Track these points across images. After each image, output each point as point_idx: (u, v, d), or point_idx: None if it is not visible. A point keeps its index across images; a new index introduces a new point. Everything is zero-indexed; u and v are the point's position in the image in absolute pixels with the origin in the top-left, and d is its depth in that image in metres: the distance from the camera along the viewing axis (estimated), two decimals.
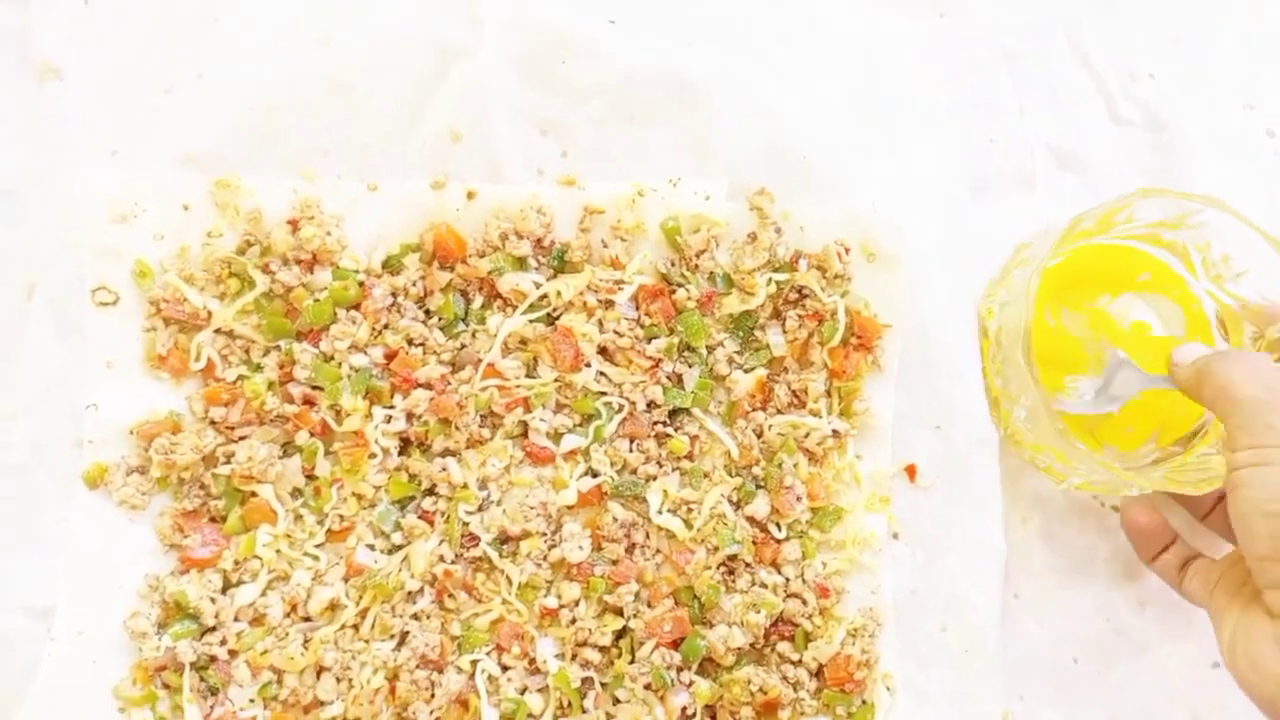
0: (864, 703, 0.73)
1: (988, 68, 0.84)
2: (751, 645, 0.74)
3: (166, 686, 0.72)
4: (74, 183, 0.72)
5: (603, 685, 0.74)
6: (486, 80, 0.76)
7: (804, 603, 0.74)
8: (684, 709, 0.73)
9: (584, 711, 0.73)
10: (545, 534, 0.75)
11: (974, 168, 0.82)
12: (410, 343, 0.76)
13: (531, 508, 0.75)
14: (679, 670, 0.74)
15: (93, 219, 0.72)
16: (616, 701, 0.74)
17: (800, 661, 0.74)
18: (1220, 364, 0.67)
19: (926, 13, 0.82)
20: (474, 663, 0.74)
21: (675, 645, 0.74)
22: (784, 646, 0.74)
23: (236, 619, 0.73)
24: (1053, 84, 0.84)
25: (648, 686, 0.73)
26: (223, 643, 0.72)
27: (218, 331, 0.75)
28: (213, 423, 0.74)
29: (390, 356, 0.75)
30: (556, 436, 0.76)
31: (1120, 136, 0.83)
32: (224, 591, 0.73)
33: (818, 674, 0.74)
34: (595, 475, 0.76)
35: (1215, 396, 0.66)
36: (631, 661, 0.74)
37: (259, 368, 0.75)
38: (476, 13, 0.75)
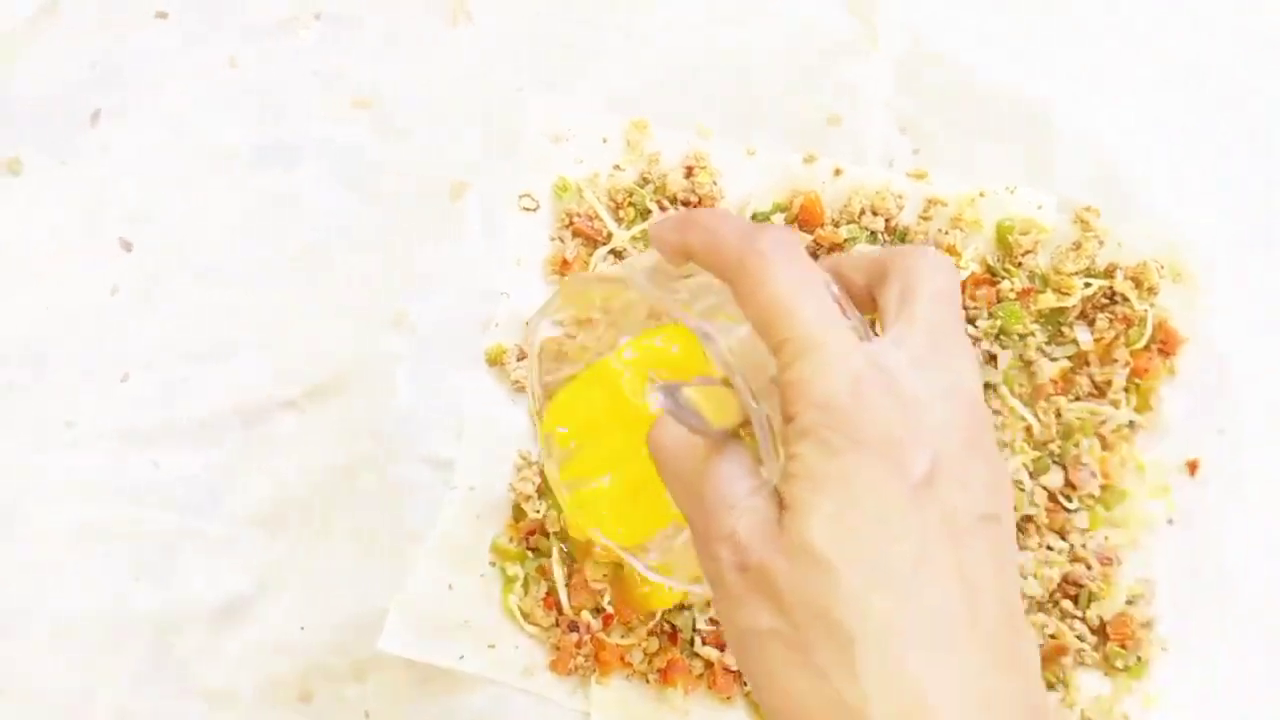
0: (1139, 659, 0.82)
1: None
2: (1039, 600, 0.83)
3: (534, 549, 0.81)
4: (530, 103, 0.85)
5: None
6: (869, 79, 0.88)
7: (1088, 567, 0.84)
8: None
9: None
10: None
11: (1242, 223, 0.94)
12: None
13: None
14: None
15: (535, 135, 0.84)
16: None
17: (1083, 618, 0.83)
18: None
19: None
20: None
21: None
22: (1066, 604, 0.84)
23: None
24: None
25: None
26: None
27: (610, 251, 0.86)
28: None
29: None
30: None
31: None
32: None
33: (1098, 630, 0.83)
34: None
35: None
36: None
37: None
38: (873, 21, 0.89)
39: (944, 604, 0.44)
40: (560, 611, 0.80)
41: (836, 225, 0.88)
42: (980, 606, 0.45)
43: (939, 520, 0.45)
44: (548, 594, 0.80)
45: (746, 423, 0.50)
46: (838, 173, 0.88)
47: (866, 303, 0.55)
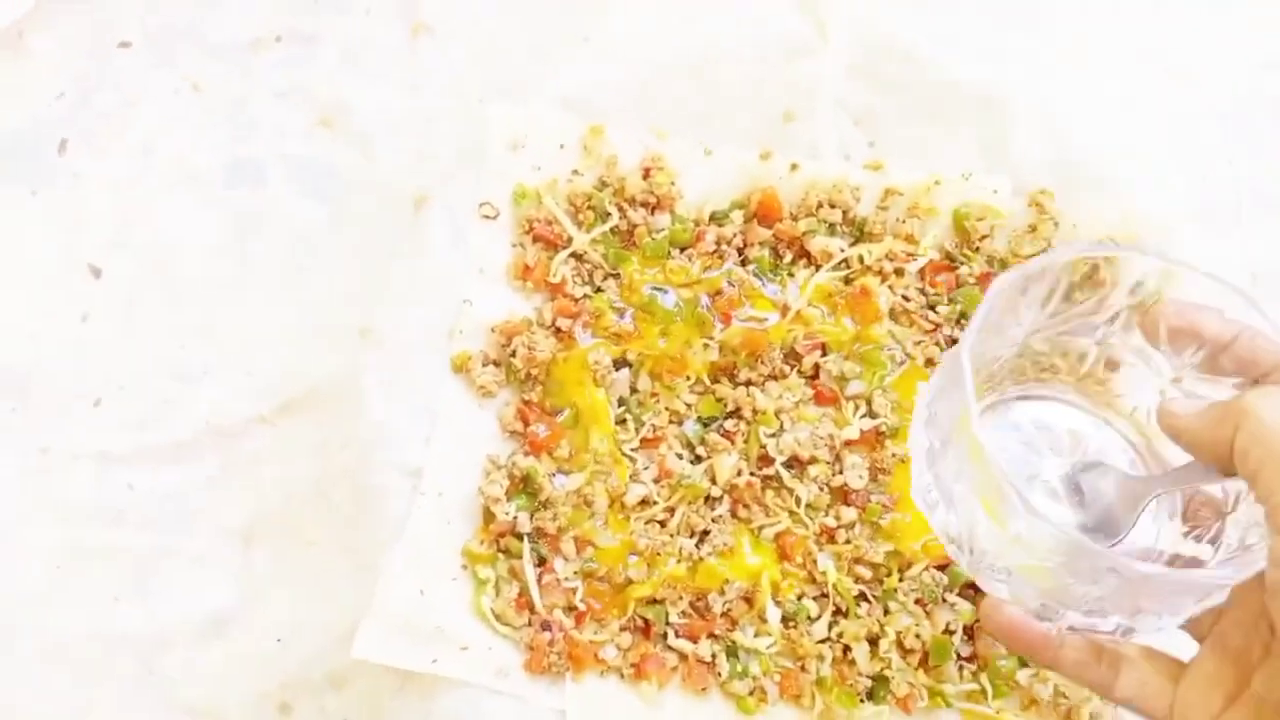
0: None
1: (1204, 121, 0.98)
2: None
3: (504, 551, 0.82)
4: (490, 112, 0.86)
5: (874, 597, 0.84)
6: (821, 75, 0.90)
7: None
8: (947, 624, 0.83)
9: (858, 617, 0.83)
10: (829, 462, 0.86)
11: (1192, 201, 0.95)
12: (730, 284, 0.88)
13: (821, 438, 0.86)
14: (944, 590, 0.84)
15: (494, 144, 0.85)
16: (886, 612, 0.83)
17: None
18: (1261, 403, 0.51)
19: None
20: (761, 566, 0.84)
21: (942, 569, 0.84)
22: None
23: (564, 503, 0.83)
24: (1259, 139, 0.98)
25: (918, 601, 0.83)
26: (554, 519, 0.82)
27: (571, 255, 0.87)
28: (558, 331, 0.86)
29: (714, 295, 0.88)
30: (843, 380, 0.88)
31: None
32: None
33: None
34: (875, 418, 0.87)
35: (1251, 446, 0.49)
36: (901, 580, 0.84)
37: (600, 290, 0.87)
38: (822, 19, 0.90)
39: None
40: (533, 611, 0.80)
41: (795, 219, 0.89)
42: None
43: None
44: (519, 595, 0.81)
45: None
46: (794, 168, 0.89)
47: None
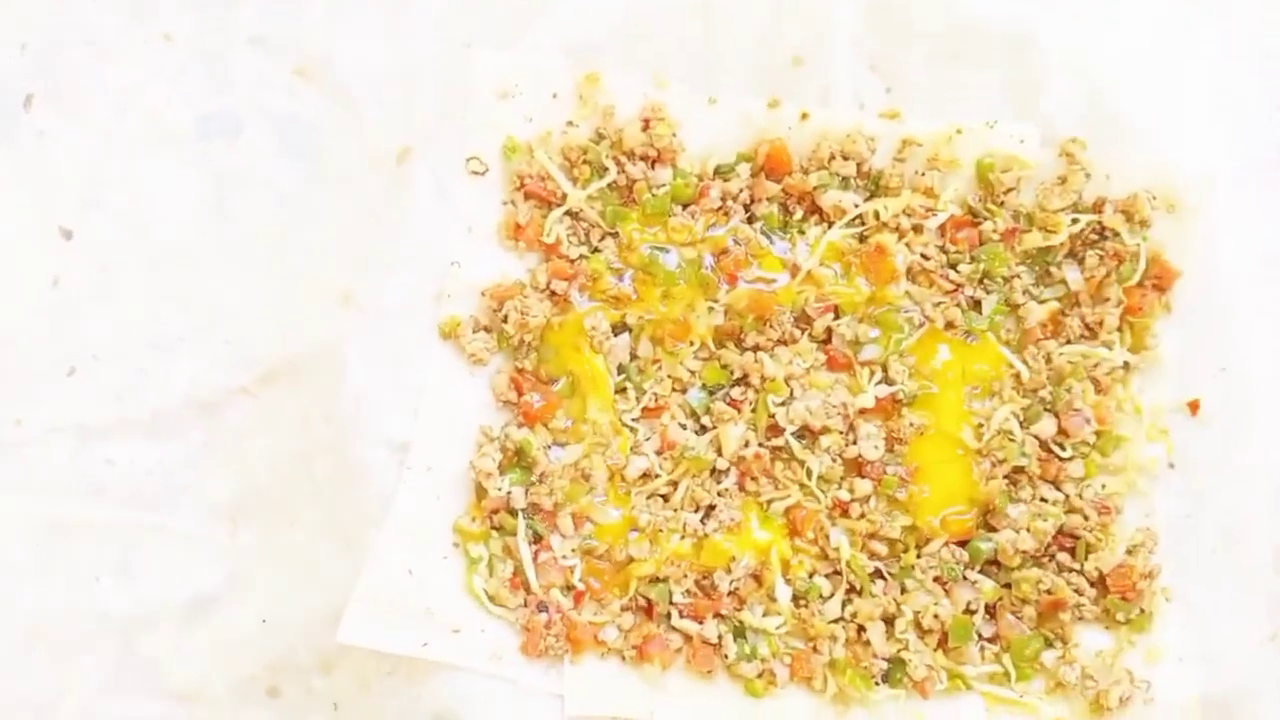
0: (1142, 611, 0.78)
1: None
2: (1033, 554, 0.79)
3: (498, 528, 0.78)
4: (476, 58, 0.80)
5: (890, 575, 0.80)
6: (834, 14, 0.83)
7: (1085, 517, 0.80)
8: (968, 603, 0.79)
9: (873, 596, 0.79)
10: (843, 432, 0.81)
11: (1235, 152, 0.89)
12: (735, 243, 0.83)
13: (834, 406, 0.81)
14: (965, 568, 0.79)
15: (482, 93, 0.80)
16: (903, 590, 0.79)
17: (1081, 571, 0.79)
18: None
19: None
20: (770, 542, 0.80)
21: (963, 544, 0.80)
22: (1063, 557, 0.80)
23: (561, 476, 0.79)
24: None
25: (937, 579, 0.79)
26: (550, 493, 0.78)
27: (566, 213, 0.82)
28: (552, 294, 0.81)
29: (719, 255, 0.82)
30: (857, 344, 0.83)
31: None
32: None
33: (1097, 583, 0.79)
34: (891, 384, 0.82)
35: None
36: (918, 556, 0.80)
37: (597, 250, 0.82)
38: None
39: None
40: (528, 591, 0.77)
41: (806, 172, 0.83)
42: None
43: None
44: (514, 574, 0.77)
45: None
46: (804, 117, 0.83)
47: None
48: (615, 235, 0.82)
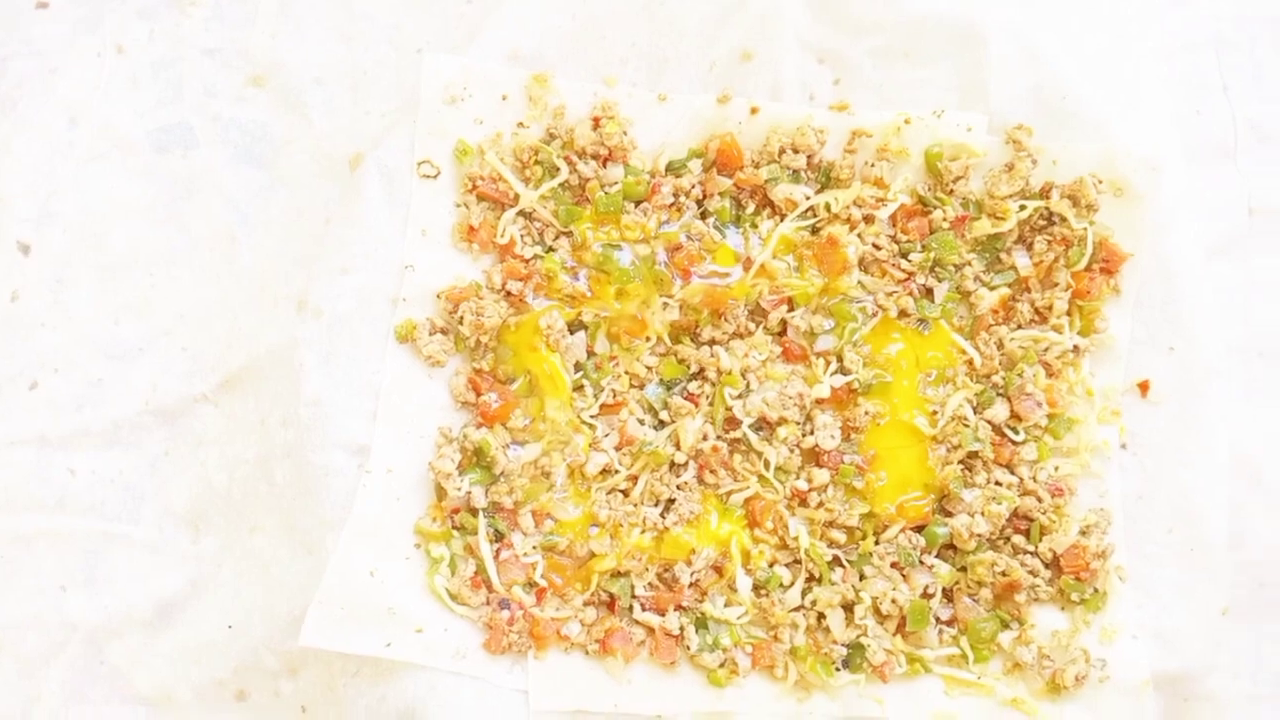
0: (1096, 591, 0.79)
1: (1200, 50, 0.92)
2: (988, 537, 0.80)
3: (459, 528, 0.79)
4: (424, 64, 0.80)
5: (849, 562, 0.80)
6: (781, 10, 0.84)
7: (1039, 499, 0.81)
8: (925, 588, 0.80)
9: (832, 584, 0.80)
10: (799, 423, 0.82)
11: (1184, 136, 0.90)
12: (689, 238, 0.83)
13: (790, 397, 0.82)
14: (921, 553, 0.80)
15: (431, 98, 0.80)
16: (862, 577, 0.80)
17: (1035, 552, 0.80)
18: None
19: None
20: (730, 533, 0.80)
21: (919, 530, 0.81)
22: (1018, 539, 0.81)
23: (521, 474, 0.79)
24: (1258, 67, 0.92)
25: (895, 565, 0.80)
26: (510, 492, 0.79)
27: (519, 213, 0.83)
28: (508, 294, 0.81)
29: (673, 250, 0.83)
30: (811, 336, 0.83)
31: None
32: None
33: (1052, 564, 0.80)
34: (846, 374, 0.83)
35: None
36: (876, 544, 0.81)
37: (551, 250, 0.83)
38: None
39: None
40: (490, 589, 0.77)
41: (756, 166, 0.84)
42: None
43: None
44: (476, 572, 0.78)
45: None
46: (754, 111, 0.84)
47: None
48: (569, 234, 0.83)
